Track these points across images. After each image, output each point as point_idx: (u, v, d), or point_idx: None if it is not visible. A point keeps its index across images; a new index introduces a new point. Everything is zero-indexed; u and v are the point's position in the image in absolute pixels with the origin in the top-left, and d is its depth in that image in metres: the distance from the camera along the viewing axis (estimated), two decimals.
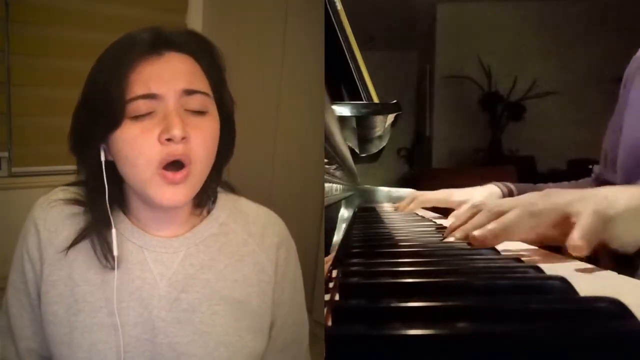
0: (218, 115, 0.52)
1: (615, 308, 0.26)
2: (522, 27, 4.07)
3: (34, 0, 1.47)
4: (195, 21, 1.81)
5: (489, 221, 0.56)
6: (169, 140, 0.47)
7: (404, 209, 1.30)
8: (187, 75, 0.49)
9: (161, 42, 0.49)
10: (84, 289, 0.51)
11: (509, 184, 1.09)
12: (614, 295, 0.27)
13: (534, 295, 0.33)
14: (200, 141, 0.49)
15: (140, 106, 0.47)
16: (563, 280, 0.34)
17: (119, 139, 0.48)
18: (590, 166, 1.09)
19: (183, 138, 0.47)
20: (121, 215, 0.54)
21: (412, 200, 1.29)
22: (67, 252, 0.52)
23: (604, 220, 0.48)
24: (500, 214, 0.56)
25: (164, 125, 0.47)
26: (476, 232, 0.53)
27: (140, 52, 0.48)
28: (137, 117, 0.47)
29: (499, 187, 1.09)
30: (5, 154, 1.47)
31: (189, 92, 0.48)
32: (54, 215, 0.54)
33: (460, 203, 1.10)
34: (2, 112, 1.44)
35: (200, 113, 0.49)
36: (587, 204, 0.50)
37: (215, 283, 0.53)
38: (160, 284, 0.52)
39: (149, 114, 0.47)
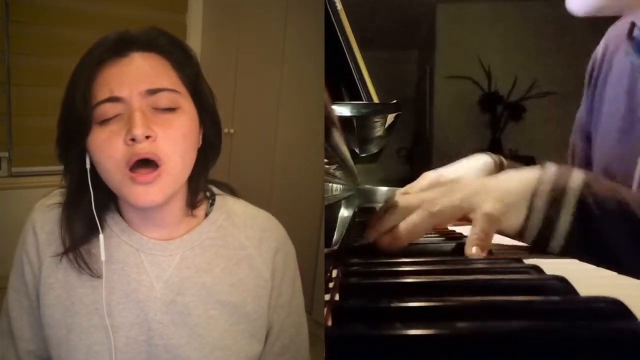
0: (195, 110, 0.52)
1: (615, 308, 0.26)
2: (522, 27, 4.07)
3: (34, 0, 1.47)
4: (195, 21, 1.81)
5: (396, 220, 0.57)
6: (133, 140, 0.46)
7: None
8: (150, 74, 0.49)
9: (125, 43, 0.49)
10: (80, 292, 0.51)
11: (499, 155, 0.94)
12: (614, 295, 0.27)
13: (534, 295, 0.33)
14: (170, 138, 0.48)
15: (106, 110, 0.47)
16: (563, 280, 0.34)
17: (91, 145, 0.48)
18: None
19: (148, 137, 0.47)
20: (117, 217, 0.54)
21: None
22: (61, 257, 0.52)
23: (495, 220, 0.53)
24: (406, 211, 0.57)
25: (127, 127, 0.47)
26: (383, 240, 0.56)
27: (103, 56, 0.49)
28: (104, 122, 0.48)
29: (491, 156, 0.94)
30: (5, 154, 1.47)
31: (153, 92, 0.48)
32: (51, 219, 0.54)
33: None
34: (2, 112, 1.44)
35: (170, 110, 0.49)
36: (480, 200, 0.54)
37: (211, 287, 0.53)
38: (156, 286, 0.52)
39: (115, 117, 0.48)
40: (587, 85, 0.97)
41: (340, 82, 0.60)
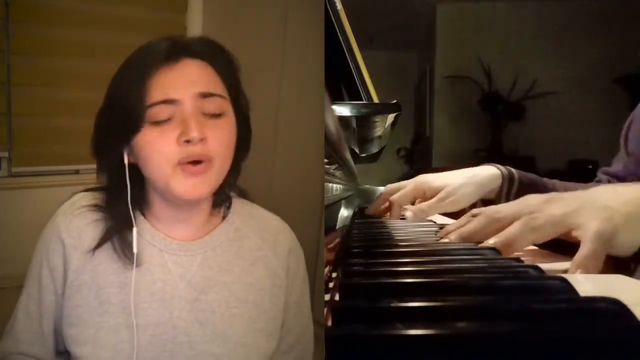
0: (234, 116, 0.54)
1: (615, 308, 0.26)
2: (522, 27, 4.07)
3: (34, 0, 1.47)
4: (195, 21, 1.81)
5: (486, 226, 0.55)
6: (187, 142, 0.49)
7: (376, 212, 1.05)
8: (202, 79, 0.52)
9: (177, 49, 0.52)
10: (108, 292, 0.53)
11: (510, 167, 0.94)
12: (614, 295, 0.27)
13: (534, 295, 0.33)
14: (218, 141, 0.51)
15: (160, 111, 0.50)
16: (563, 280, 0.34)
17: (140, 142, 0.50)
18: (590, 166, 1.05)
19: (201, 139, 0.49)
20: (142, 218, 0.56)
21: (388, 207, 1.01)
22: (93, 252, 0.53)
23: (606, 240, 0.48)
24: (497, 221, 0.55)
25: (182, 128, 0.49)
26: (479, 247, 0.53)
27: (157, 61, 0.51)
28: (156, 122, 0.50)
29: (499, 168, 0.94)
30: (5, 154, 1.47)
31: (205, 95, 0.51)
32: (77, 223, 0.55)
33: (441, 189, 0.94)
34: (2, 112, 1.44)
35: (217, 115, 0.52)
36: (588, 217, 0.49)
37: (232, 285, 0.55)
38: (180, 285, 0.54)
39: (168, 119, 0.50)
40: None
41: (340, 82, 0.60)
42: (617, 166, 0.98)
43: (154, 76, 0.50)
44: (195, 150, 0.49)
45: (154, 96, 0.50)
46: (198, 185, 0.50)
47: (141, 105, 0.50)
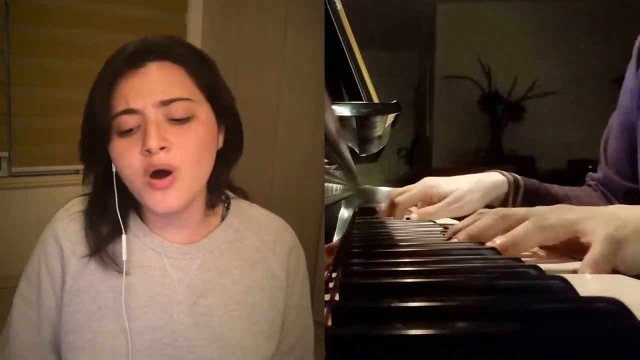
0: (213, 115, 0.53)
1: (615, 308, 0.26)
2: (522, 27, 4.07)
3: (34, 0, 1.47)
4: (195, 21, 1.81)
5: (494, 224, 0.55)
6: (148, 151, 0.48)
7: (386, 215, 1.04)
8: (165, 84, 0.50)
9: (141, 54, 0.50)
10: (106, 296, 0.52)
11: (514, 174, 0.95)
12: (614, 295, 0.27)
13: (534, 295, 0.33)
14: (185, 148, 0.49)
15: (124, 121, 0.49)
16: (563, 280, 0.34)
17: (112, 153, 0.50)
18: (590, 166, 1.06)
19: (162, 148, 0.48)
20: (139, 221, 0.55)
21: (392, 208, 1.01)
22: (89, 259, 0.53)
23: (616, 246, 0.47)
24: (506, 218, 0.55)
25: (143, 139, 0.48)
26: (486, 245, 0.53)
27: (120, 68, 0.50)
28: (123, 132, 0.49)
29: (504, 174, 0.95)
30: (5, 154, 1.47)
31: (167, 102, 0.49)
32: (74, 227, 0.55)
33: (449, 193, 0.95)
34: (2, 112, 1.44)
35: (186, 119, 0.50)
36: (598, 224, 0.49)
37: (231, 288, 0.55)
38: (178, 289, 0.53)
39: (134, 128, 0.49)
40: (635, 63, 0.91)
41: (340, 82, 0.60)
42: (599, 172, 1.00)
43: (119, 84, 0.50)
44: (159, 159, 0.48)
45: (117, 106, 0.49)
46: (166, 199, 0.49)
47: (107, 115, 0.49)
